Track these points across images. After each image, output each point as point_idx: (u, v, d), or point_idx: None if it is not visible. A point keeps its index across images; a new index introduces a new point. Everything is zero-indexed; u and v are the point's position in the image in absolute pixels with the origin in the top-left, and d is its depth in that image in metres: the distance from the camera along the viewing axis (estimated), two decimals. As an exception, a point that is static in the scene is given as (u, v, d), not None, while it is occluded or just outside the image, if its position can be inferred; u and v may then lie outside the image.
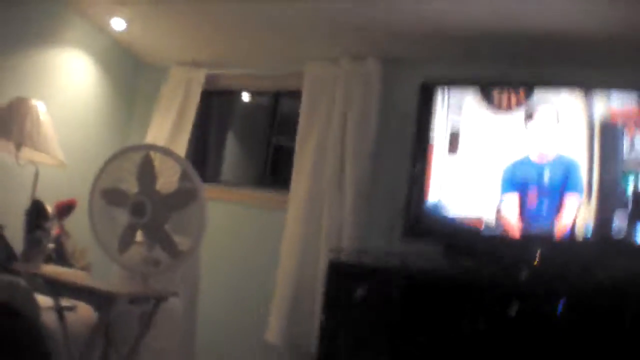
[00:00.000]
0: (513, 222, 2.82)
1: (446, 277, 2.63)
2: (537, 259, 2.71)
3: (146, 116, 3.97)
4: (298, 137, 3.46)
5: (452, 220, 2.90)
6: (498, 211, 2.84)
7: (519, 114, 2.87)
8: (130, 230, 2.62)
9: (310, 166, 3.34)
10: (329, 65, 3.41)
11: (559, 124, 2.82)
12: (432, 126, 2.96)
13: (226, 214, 3.62)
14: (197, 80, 3.87)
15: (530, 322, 2.46)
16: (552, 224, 2.78)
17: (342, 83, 3.34)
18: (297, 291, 3.18)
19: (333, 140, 3.29)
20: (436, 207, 2.94)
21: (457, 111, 2.95)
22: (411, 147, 3.01)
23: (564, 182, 2.77)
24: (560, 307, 2.44)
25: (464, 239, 2.87)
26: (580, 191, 2.74)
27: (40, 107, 3.16)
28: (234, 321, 3.44)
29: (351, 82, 3.32)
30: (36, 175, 3.20)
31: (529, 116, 2.85)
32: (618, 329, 2.36)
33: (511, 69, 3.00)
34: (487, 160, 2.89)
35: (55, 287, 2.50)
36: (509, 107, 2.86)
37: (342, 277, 2.71)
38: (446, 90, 2.97)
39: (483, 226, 2.86)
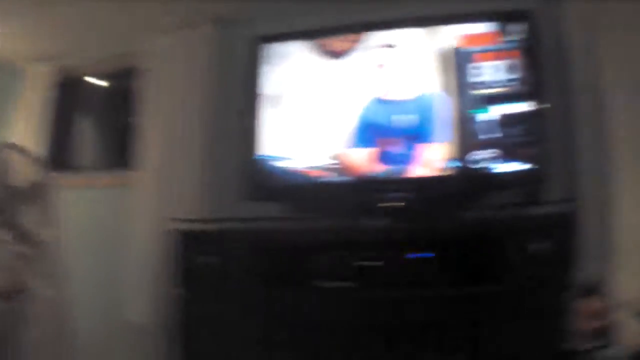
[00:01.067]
0: (366, 168, 2.72)
1: (295, 236, 2.57)
2: (398, 203, 2.62)
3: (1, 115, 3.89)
4: (145, 113, 3.46)
5: (296, 175, 2.76)
6: (349, 158, 2.74)
7: (357, 57, 2.79)
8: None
9: (158, 139, 3.34)
10: (168, 36, 3.44)
11: (403, 61, 2.74)
12: (266, 81, 2.89)
13: (87, 200, 3.64)
14: (50, 74, 3.89)
15: (398, 270, 2.44)
16: (409, 166, 2.68)
17: (181, 52, 3.37)
18: (153, 266, 3.10)
19: (176, 109, 3.32)
20: (277, 164, 2.78)
21: (291, 64, 2.88)
22: (245, 105, 2.90)
23: (420, 121, 2.70)
24: (427, 250, 2.45)
25: (313, 193, 2.74)
26: (437, 128, 2.67)
27: None
28: (100, 304, 3.38)
29: (189, 50, 3.35)
30: None
31: (369, 58, 2.78)
32: (489, 265, 2.40)
33: (346, 13, 2.98)
34: (331, 108, 2.79)
35: None
36: (344, 53, 2.81)
37: (190, 246, 2.64)
38: (280, 44, 2.90)
39: (332, 176, 2.74)
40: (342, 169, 2.75)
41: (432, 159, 2.68)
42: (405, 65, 2.76)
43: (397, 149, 2.71)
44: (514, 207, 2.59)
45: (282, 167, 2.80)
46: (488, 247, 2.40)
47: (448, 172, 2.67)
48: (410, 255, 2.45)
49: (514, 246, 2.39)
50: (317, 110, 2.81)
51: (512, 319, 2.36)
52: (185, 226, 2.80)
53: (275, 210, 2.77)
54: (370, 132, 2.74)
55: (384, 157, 2.73)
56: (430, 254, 2.45)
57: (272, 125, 2.85)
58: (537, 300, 2.37)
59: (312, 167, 2.77)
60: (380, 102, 2.76)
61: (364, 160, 2.73)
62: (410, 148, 2.70)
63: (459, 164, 2.67)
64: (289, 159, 2.80)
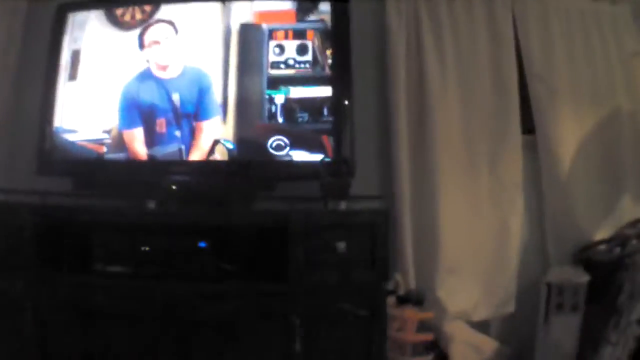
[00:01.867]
0: (141, 148, 2.54)
1: (73, 213, 2.38)
2: (172, 187, 2.45)
3: None
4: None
5: (80, 150, 2.60)
6: (124, 136, 2.56)
7: (144, 30, 2.61)
8: None
9: None
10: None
11: (184, 36, 2.55)
12: (62, 52, 2.68)
13: None
14: None
15: (173, 255, 2.28)
16: (187, 147, 2.50)
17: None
18: None
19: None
20: (64, 139, 2.61)
21: (82, 33, 2.68)
22: (44, 77, 2.70)
23: (197, 101, 2.53)
24: (212, 241, 2.29)
25: (93, 171, 2.60)
26: (216, 108, 2.49)
27: None
28: None
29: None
30: None
31: (145, 30, 2.60)
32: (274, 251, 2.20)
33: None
34: (110, 82, 2.61)
35: None
36: (135, 25, 2.61)
37: None
38: (78, 13, 2.70)
39: (111, 152, 2.58)
40: (118, 145, 2.55)
41: (209, 140, 2.48)
42: (188, 40, 2.56)
43: (170, 127, 2.52)
44: (311, 201, 2.32)
45: (71, 141, 2.60)
46: (278, 240, 2.18)
47: (234, 157, 2.46)
48: (195, 245, 2.28)
49: (312, 242, 2.17)
50: (104, 84, 2.62)
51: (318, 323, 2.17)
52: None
53: (62, 185, 2.56)
54: (140, 107, 2.55)
55: (155, 134, 2.54)
56: (215, 245, 2.27)
57: (67, 97, 2.65)
58: (342, 304, 2.17)
59: (94, 141, 2.58)
60: (151, 76, 2.56)
61: (138, 137, 2.54)
62: (185, 127, 2.51)
63: (246, 148, 2.46)
64: (76, 132, 2.61)
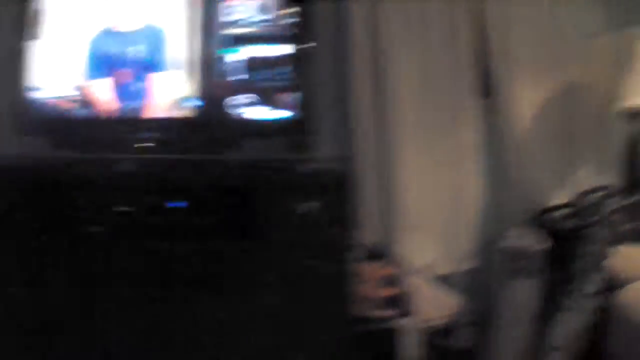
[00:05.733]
0: (106, 102, 2.54)
1: (47, 173, 2.37)
2: (142, 144, 2.46)
3: None
4: None
5: (53, 109, 2.57)
6: (89, 90, 2.55)
7: None
8: None
9: None
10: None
11: None
12: (29, 8, 2.61)
13: None
14: None
15: (152, 218, 2.28)
16: (146, 99, 2.50)
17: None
18: None
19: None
20: (37, 97, 2.57)
21: None
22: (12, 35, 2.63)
23: (154, 56, 2.53)
24: (184, 199, 2.28)
25: (67, 130, 2.58)
26: (177, 63, 2.49)
27: None
28: None
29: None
30: None
31: None
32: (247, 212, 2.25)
33: None
34: (75, 38, 2.59)
35: None
36: None
37: None
38: None
39: (77, 108, 2.55)
40: (84, 102, 2.55)
41: (170, 96, 2.50)
42: None
43: (129, 80, 2.52)
44: (276, 160, 2.39)
45: (40, 99, 2.57)
46: (250, 198, 2.23)
47: (199, 114, 2.47)
48: (166, 204, 2.27)
49: (278, 201, 2.21)
50: (69, 40, 2.60)
51: (283, 279, 2.20)
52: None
53: (35, 145, 2.58)
54: (103, 63, 2.55)
55: (120, 90, 2.53)
56: (186, 203, 2.27)
57: (35, 56, 2.61)
58: (309, 262, 2.20)
59: (64, 98, 2.56)
60: (112, 32, 2.57)
61: (102, 92, 2.54)
62: (142, 79, 2.52)
63: (211, 106, 2.47)
64: (43, 89, 2.58)
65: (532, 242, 2.50)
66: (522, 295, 2.47)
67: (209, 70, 2.46)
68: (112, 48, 2.55)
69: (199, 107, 2.46)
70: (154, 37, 2.52)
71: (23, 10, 2.63)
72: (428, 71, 2.68)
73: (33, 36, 2.61)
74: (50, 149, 2.55)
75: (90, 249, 2.27)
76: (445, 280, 2.67)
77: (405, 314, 2.51)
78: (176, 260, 2.23)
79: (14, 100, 2.60)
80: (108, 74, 2.54)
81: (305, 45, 2.46)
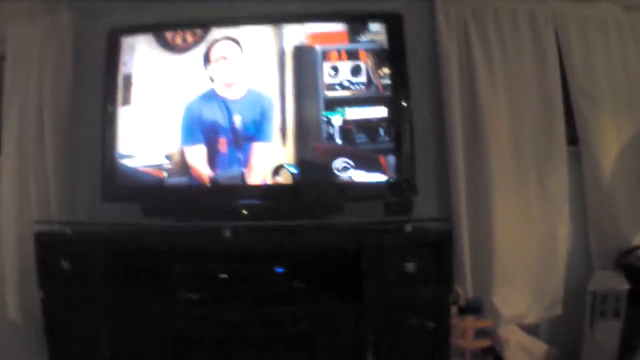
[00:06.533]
0: (204, 168, 2.59)
1: (144, 241, 2.45)
2: (243, 211, 2.49)
3: None
4: (4, 105, 3.12)
5: (145, 177, 2.63)
6: (186, 154, 2.60)
7: (198, 52, 2.65)
8: None
9: (16, 132, 3.05)
10: (28, 23, 3.08)
11: (244, 58, 2.58)
12: (118, 76, 2.70)
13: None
14: None
15: (252, 282, 2.36)
16: (245, 168, 2.54)
17: (39, 40, 3.04)
18: (22, 265, 2.89)
19: (32, 102, 3.01)
20: (127, 165, 2.63)
21: (131, 57, 2.70)
22: (102, 103, 2.72)
23: (257, 123, 2.55)
24: (283, 261, 2.36)
25: (160, 197, 2.64)
26: (274, 130, 2.53)
27: None
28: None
29: (47, 38, 3.02)
30: None
31: (207, 54, 2.64)
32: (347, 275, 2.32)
33: (192, 8, 2.82)
34: (167, 105, 2.66)
35: None
36: (187, 48, 2.65)
37: (49, 249, 2.51)
38: (129, 36, 2.72)
39: (172, 179, 2.62)
40: (180, 169, 2.61)
41: (267, 164, 2.54)
42: (245, 62, 2.60)
43: (227, 147, 2.57)
44: (378, 223, 2.43)
45: (132, 167, 2.65)
46: (350, 262, 2.30)
47: (299, 180, 2.51)
48: (272, 269, 2.35)
49: (382, 262, 2.28)
50: (160, 107, 2.66)
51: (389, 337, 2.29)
52: (43, 227, 2.64)
53: (129, 213, 2.62)
54: (201, 130, 2.60)
55: (216, 156, 2.59)
56: (291, 268, 2.35)
57: (124, 122, 2.69)
58: (413, 321, 2.29)
59: (155, 167, 2.63)
60: (211, 98, 2.61)
61: (200, 156, 2.59)
62: (246, 149, 2.56)
63: (309, 171, 2.52)
64: (135, 157, 2.65)
65: (618, 283, 2.54)
66: (608, 335, 2.52)
67: (305, 135, 2.52)
68: (210, 114, 2.58)
69: (298, 172, 2.50)
70: (258, 106, 2.55)
71: (113, 76, 2.70)
72: (518, 124, 2.69)
73: (123, 102, 2.68)
74: (141, 217, 2.59)
75: (189, 315, 2.34)
76: (533, 328, 2.72)
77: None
78: (284, 324, 2.30)
79: (105, 167, 2.67)
80: (206, 136, 2.58)
81: (402, 106, 2.50)
